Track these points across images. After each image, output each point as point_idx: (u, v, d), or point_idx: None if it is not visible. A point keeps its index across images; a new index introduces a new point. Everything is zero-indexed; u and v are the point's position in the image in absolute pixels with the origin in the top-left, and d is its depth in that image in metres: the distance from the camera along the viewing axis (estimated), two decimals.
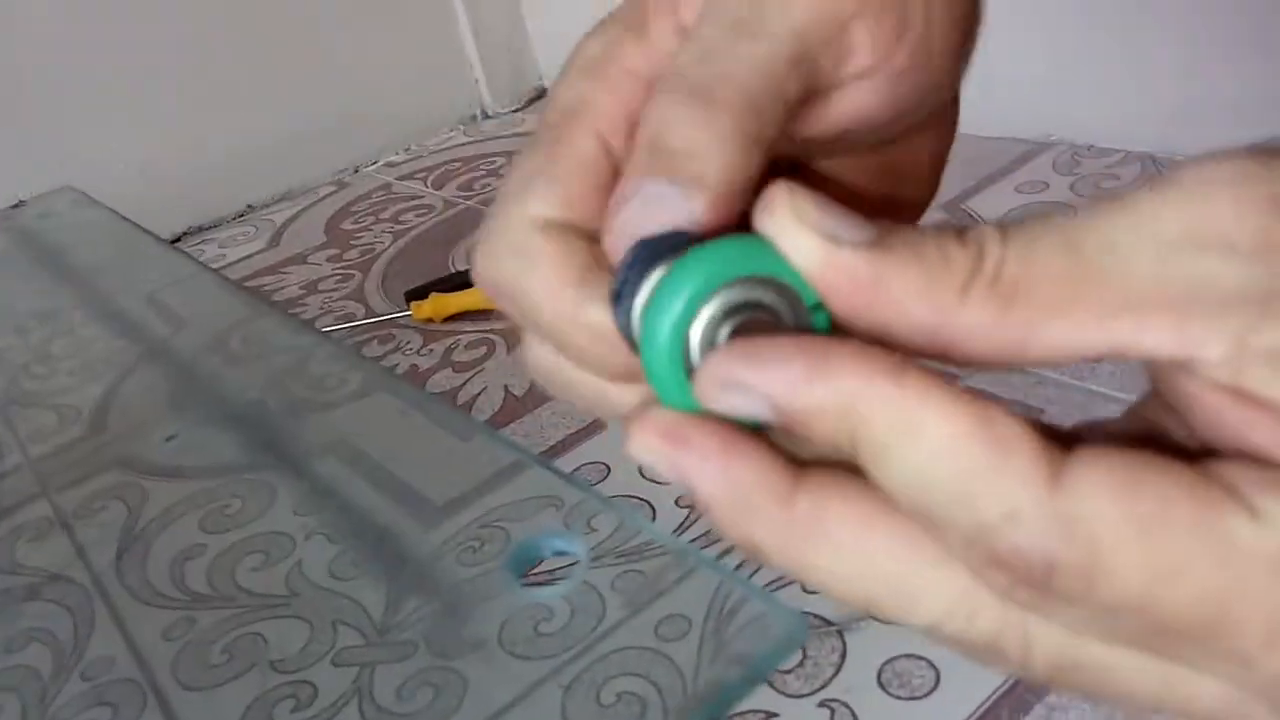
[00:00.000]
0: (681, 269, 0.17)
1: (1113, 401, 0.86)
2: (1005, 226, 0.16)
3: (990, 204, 1.28)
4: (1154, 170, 1.26)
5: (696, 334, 0.17)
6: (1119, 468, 0.14)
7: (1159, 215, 0.15)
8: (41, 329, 0.91)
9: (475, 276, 0.21)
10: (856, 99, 0.21)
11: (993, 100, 1.44)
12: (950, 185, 1.35)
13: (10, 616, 0.54)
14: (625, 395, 0.20)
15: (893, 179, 0.24)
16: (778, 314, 0.17)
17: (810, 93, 0.20)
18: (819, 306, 0.17)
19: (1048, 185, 1.29)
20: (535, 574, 0.48)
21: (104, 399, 0.77)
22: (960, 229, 0.16)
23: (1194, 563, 0.14)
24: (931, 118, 0.24)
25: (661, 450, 0.17)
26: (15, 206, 1.20)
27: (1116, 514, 0.14)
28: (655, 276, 0.17)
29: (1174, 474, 0.14)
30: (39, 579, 0.57)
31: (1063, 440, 0.15)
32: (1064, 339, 0.15)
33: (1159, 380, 0.16)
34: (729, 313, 0.17)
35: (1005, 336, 0.15)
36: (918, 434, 0.15)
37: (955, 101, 0.24)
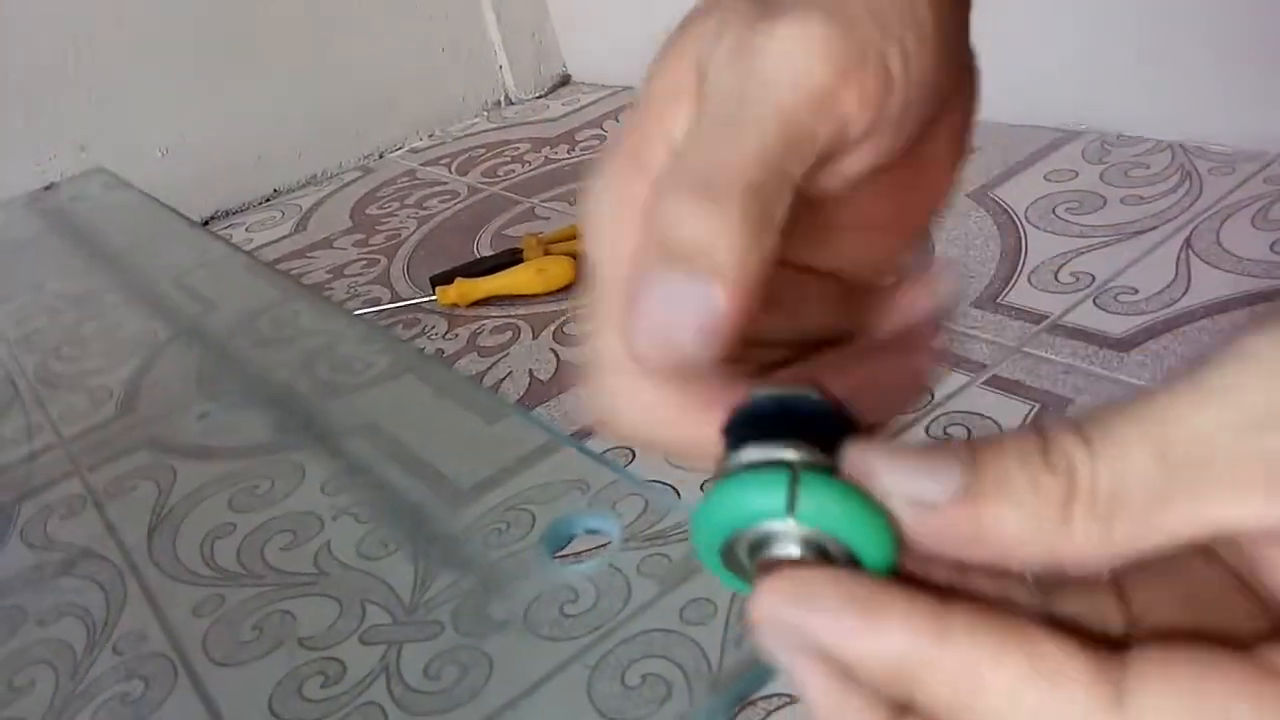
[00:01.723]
0: (751, 484, 0.17)
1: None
2: (1089, 436, 0.16)
3: (1019, 192, 1.27)
4: (1184, 159, 1.25)
5: (744, 547, 0.17)
6: (1178, 676, 0.15)
7: (1243, 399, 0.15)
8: (73, 310, 0.92)
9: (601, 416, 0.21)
10: (866, 151, 0.20)
11: (1022, 88, 1.42)
12: (979, 173, 1.34)
13: (43, 591, 0.55)
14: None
15: (919, 168, 0.24)
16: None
17: (818, 161, 0.20)
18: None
19: (1077, 173, 1.28)
20: (564, 555, 0.48)
21: (134, 380, 0.78)
22: (1043, 443, 0.16)
23: None
24: (947, 103, 0.23)
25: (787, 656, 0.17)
26: (47, 189, 1.21)
27: None
28: (741, 460, 0.17)
29: (1233, 673, 0.15)
30: (71, 555, 0.58)
31: (1114, 645, 0.16)
32: (1167, 535, 0.15)
33: (1239, 552, 0.17)
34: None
35: (1111, 549, 0.15)
36: (976, 692, 0.15)
37: (969, 69, 0.23)
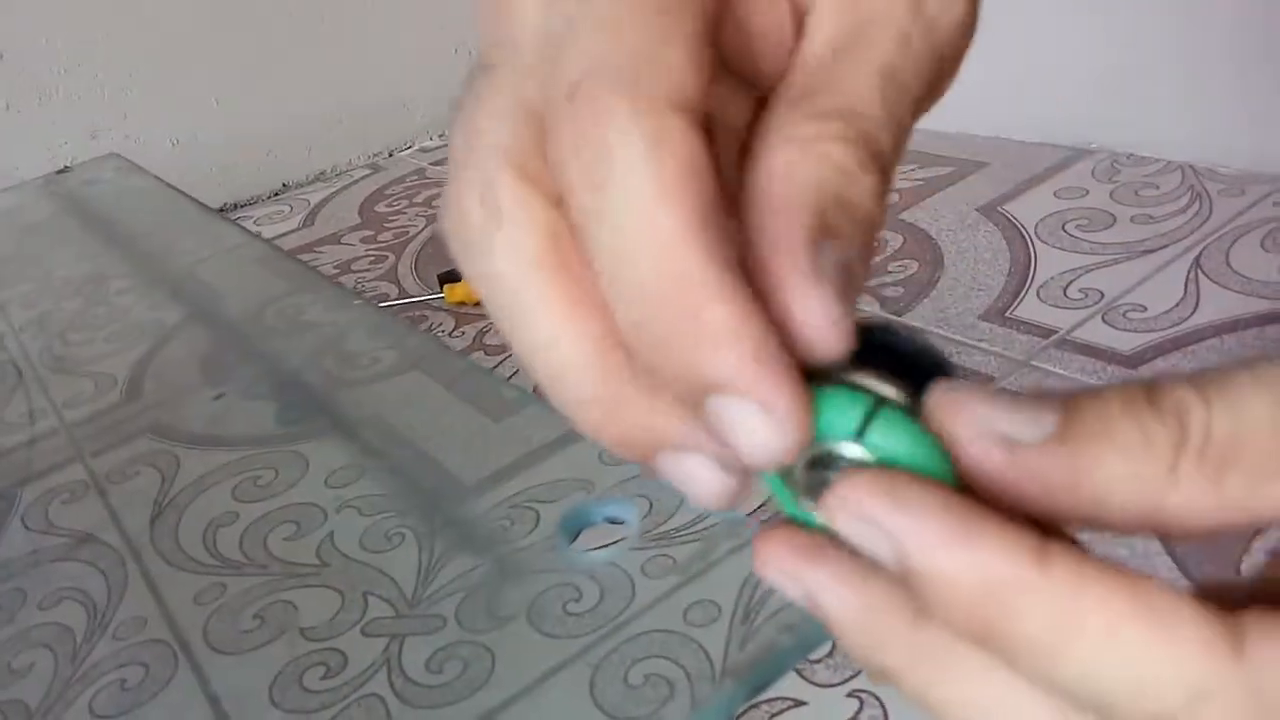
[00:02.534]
0: (830, 401, 0.15)
1: None
2: (1204, 388, 0.14)
3: (1029, 208, 1.27)
4: (1194, 180, 1.25)
5: (803, 463, 0.16)
6: None
7: None
8: (81, 295, 0.92)
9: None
10: None
11: (1034, 106, 1.42)
12: (989, 188, 1.33)
13: (44, 575, 0.55)
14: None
15: None
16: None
17: None
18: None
19: (1087, 192, 1.28)
20: (579, 547, 0.48)
21: (140, 366, 0.78)
22: (1151, 393, 0.14)
23: None
24: None
25: (792, 569, 0.16)
26: (61, 172, 1.21)
27: None
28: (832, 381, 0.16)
29: None
30: (73, 540, 0.58)
31: (1223, 602, 0.14)
32: (1277, 501, 0.14)
33: None
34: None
35: (1222, 509, 0.14)
36: (1078, 631, 0.14)
37: None
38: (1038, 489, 0.14)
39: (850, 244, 0.16)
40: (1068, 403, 0.15)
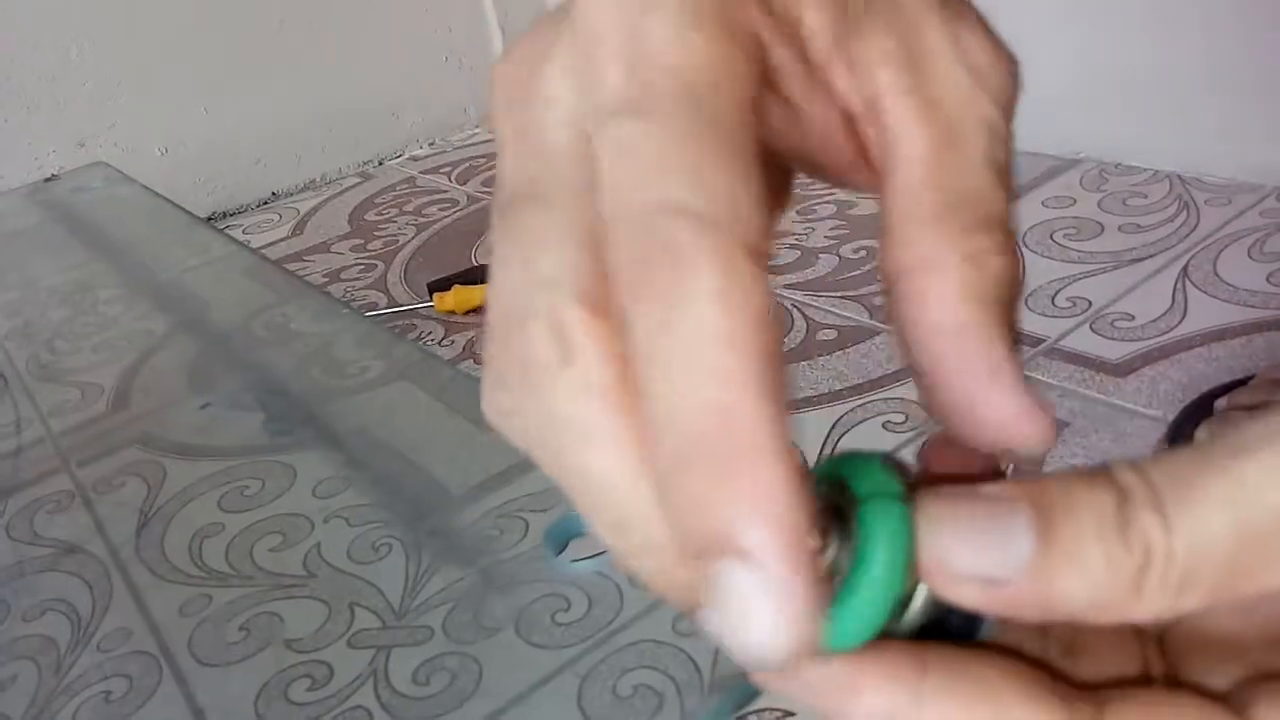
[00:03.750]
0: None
1: (1139, 416, 0.85)
2: (1166, 509, 0.15)
3: (1017, 217, 1.27)
4: (1181, 190, 1.25)
5: None
6: None
7: None
8: (68, 304, 0.92)
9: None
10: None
11: (1022, 116, 1.42)
12: None
13: (28, 586, 0.54)
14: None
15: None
16: None
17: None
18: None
19: (1075, 201, 1.28)
20: (561, 563, 0.48)
21: (127, 376, 0.78)
22: (1119, 504, 0.15)
23: None
24: None
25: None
26: (49, 180, 1.21)
27: None
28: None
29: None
30: (58, 551, 0.57)
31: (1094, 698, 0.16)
32: (1241, 596, 0.15)
33: None
34: None
35: (1178, 612, 0.15)
36: None
37: None
38: (1015, 612, 0.16)
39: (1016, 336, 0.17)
40: (1042, 519, 0.15)
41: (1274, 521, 0.15)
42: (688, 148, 0.15)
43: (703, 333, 0.14)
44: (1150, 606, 0.15)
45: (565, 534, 0.49)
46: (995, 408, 0.16)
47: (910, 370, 0.17)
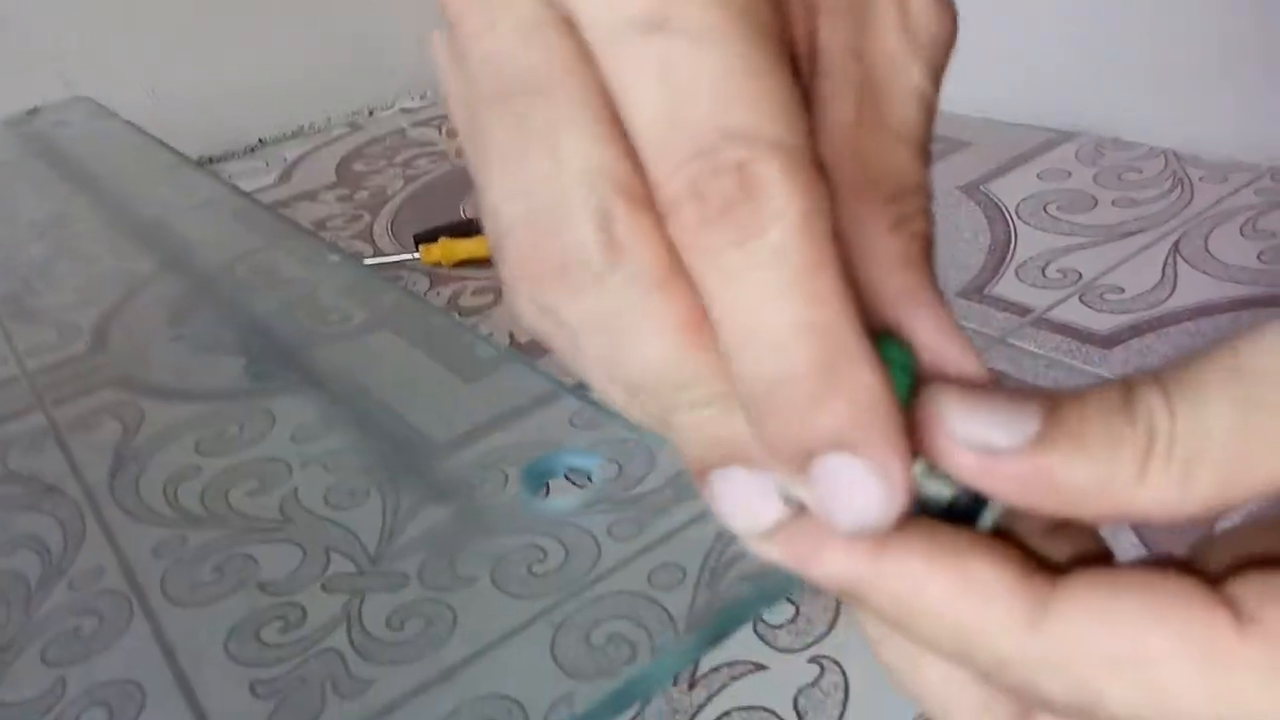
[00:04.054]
0: None
1: None
2: (1168, 388, 0.15)
3: (1011, 188, 1.26)
4: (1176, 166, 1.25)
5: None
6: (1100, 598, 0.15)
7: None
8: (48, 241, 0.90)
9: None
10: None
11: (1019, 87, 1.42)
12: (972, 167, 1.33)
13: (0, 523, 0.54)
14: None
15: None
16: None
17: None
18: None
19: (1070, 174, 1.27)
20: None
21: (107, 316, 0.77)
22: (1125, 392, 0.15)
23: (1183, 687, 0.14)
24: None
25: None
26: (30, 113, 1.18)
27: (1098, 650, 0.15)
28: None
29: (1160, 595, 0.15)
30: (31, 489, 0.56)
31: (1057, 569, 0.16)
32: (1251, 490, 0.15)
33: None
34: None
35: (1188, 506, 0.15)
36: (911, 607, 0.16)
37: None
38: (1014, 490, 0.15)
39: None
40: (1050, 405, 0.15)
41: (1273, 396, 0.14)
42: (737, 66, 0.15)
43: (791, 262, 0.15)
44: (1155, 492, 0.15)
45: (542, 475, 0.48)
46: (956, 356, 0.17)
47: None
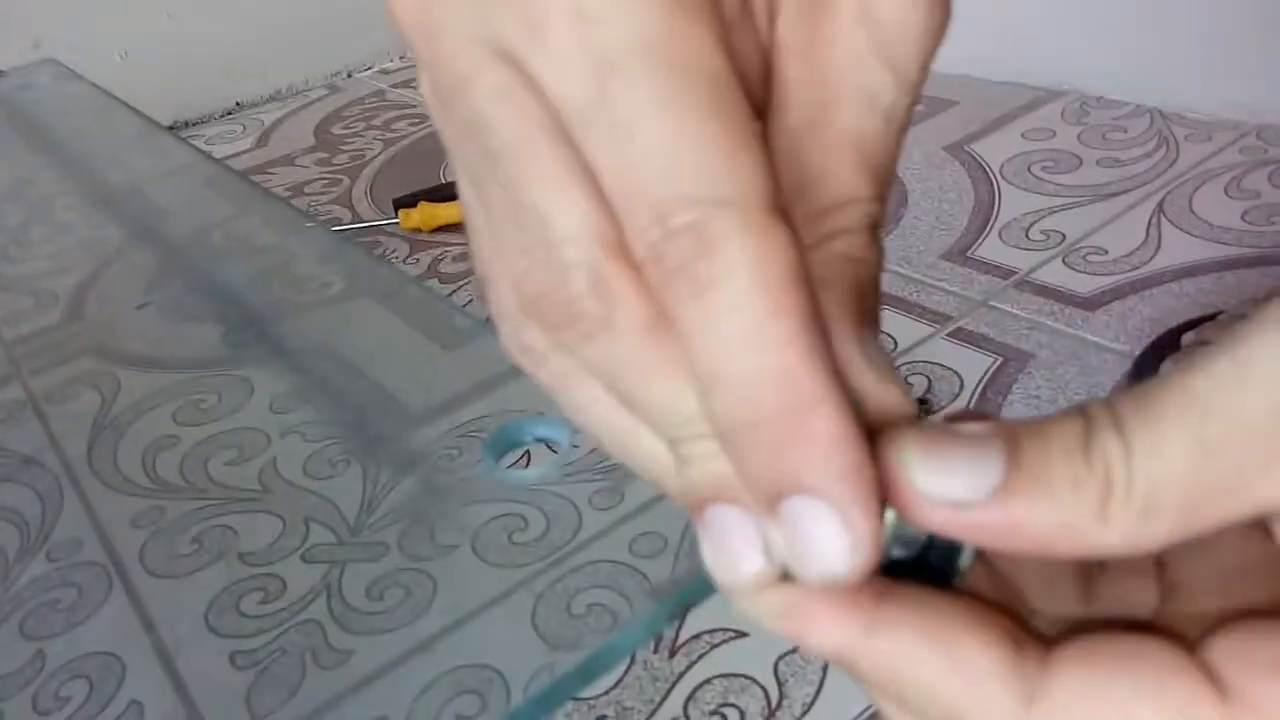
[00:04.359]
0: None
1: (1106, 350, 0.86)
2: (1125, 429, 0.15)
3: (995, 148, 1.26)
4: (1161, 125, 1.24)
5: None
6: (1091, 677, 0.15)
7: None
8: (19, 208, 0.89)
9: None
10: None
11: (1005, 45, 1.40)
12: (957, 127, 1.32)
13: None
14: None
15: None
16: None
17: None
18: None
19: (1054, 133, 1.27)
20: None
21: (83, 285, 0.76)
22: (1083, 432, 0.15)
23: None
24: None
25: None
26: None
27: None
28: None
29: (1146, 670, 0.15)
30: (8, 460, 0.56)
31: (1045, 640, 0.16)
32: (1208, 524, 0.15)
33: None
34: None
35: (1150, 543, 0.15)
36: (902, 683, 0.16)
37: None
38: (982, 537, 0.16)
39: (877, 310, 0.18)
40: (1010, 447, 0.15)
41: (1229, 434, 0.14)
42: (684, 130, 0.15)
43: (748, 311, 0.15)
44: (1116, 532, 0.15)
45: (505, 444, 0.48)
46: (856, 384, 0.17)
47: None
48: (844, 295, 0.17)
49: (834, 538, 0.15)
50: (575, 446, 0.48)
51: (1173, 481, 0.15)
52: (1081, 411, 0.15)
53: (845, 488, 0.15)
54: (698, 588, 0.39)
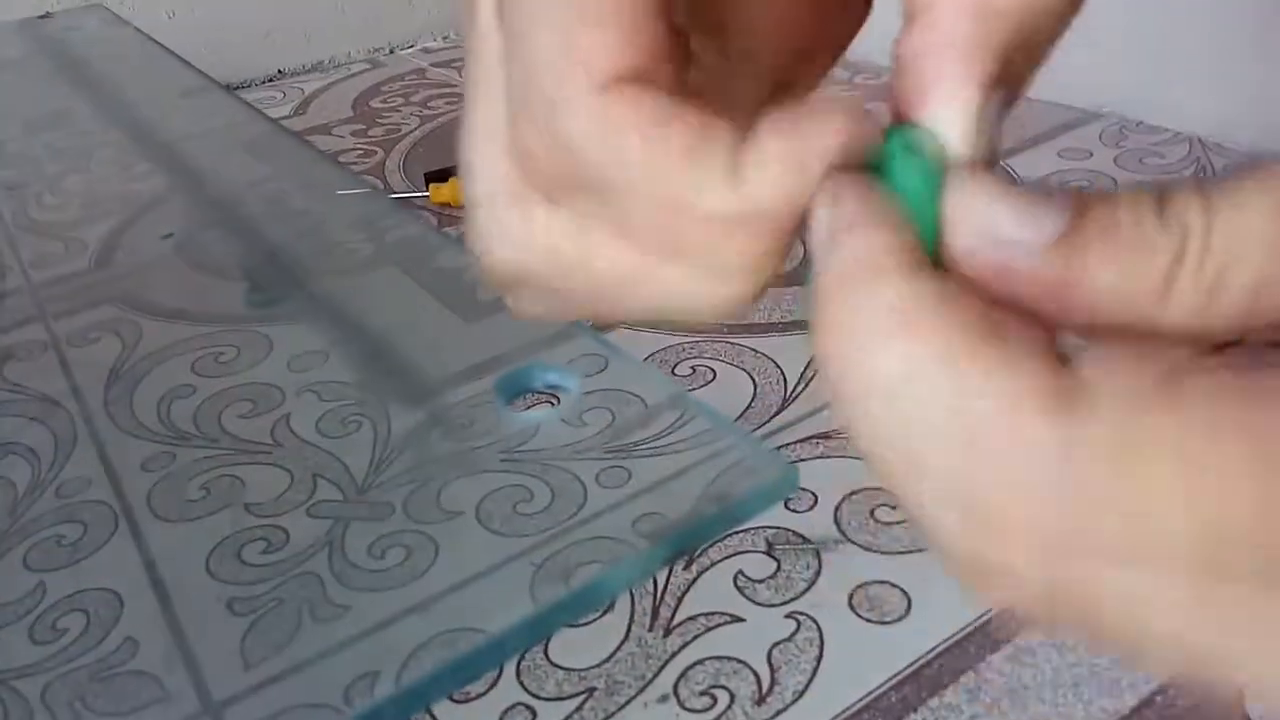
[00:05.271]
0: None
1: None
2: (1209, 193, 0.14)
3: (1031, 164, 1.25)
4: (1200, 153, 1.23)
5: None
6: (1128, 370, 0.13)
7: None
8: (58, 156, 0.90)
9: (518, 139, 0.17)
10: None
11: (1048, 64, 1.40)
12: None
13: None
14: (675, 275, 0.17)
15: None
16: None
17: None
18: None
19: (1091, 154, 1.26)
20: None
21: (114, 235, 0.76)
22: (1160, 195, 0.14)
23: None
24: None
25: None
26: (43, 17, 1.17)
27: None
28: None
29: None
30: (25, 397, 0.57)
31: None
32: (1271, 315, 0.14)
33: None
34: None
35: (1212, 322, 0.14)
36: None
37: None
38: (1030, 292, 0.14)
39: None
40: (1078, 204, 0.14)
41: None
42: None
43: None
44: (1178, 307, 0.13)
45: (515, 388, 0.48)
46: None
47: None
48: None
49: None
50: (586, 394, 0.48)
51: (1252, 250, 0.13)
52: (1158, 186, 0.14)
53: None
54: (693, 533, 0.39)
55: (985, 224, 0.14)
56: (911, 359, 0.13)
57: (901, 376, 0.14)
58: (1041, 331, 0.14)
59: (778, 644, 0.47)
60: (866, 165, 0.16)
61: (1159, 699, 0.54)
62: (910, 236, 0.15)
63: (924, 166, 0.15)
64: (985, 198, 0.14)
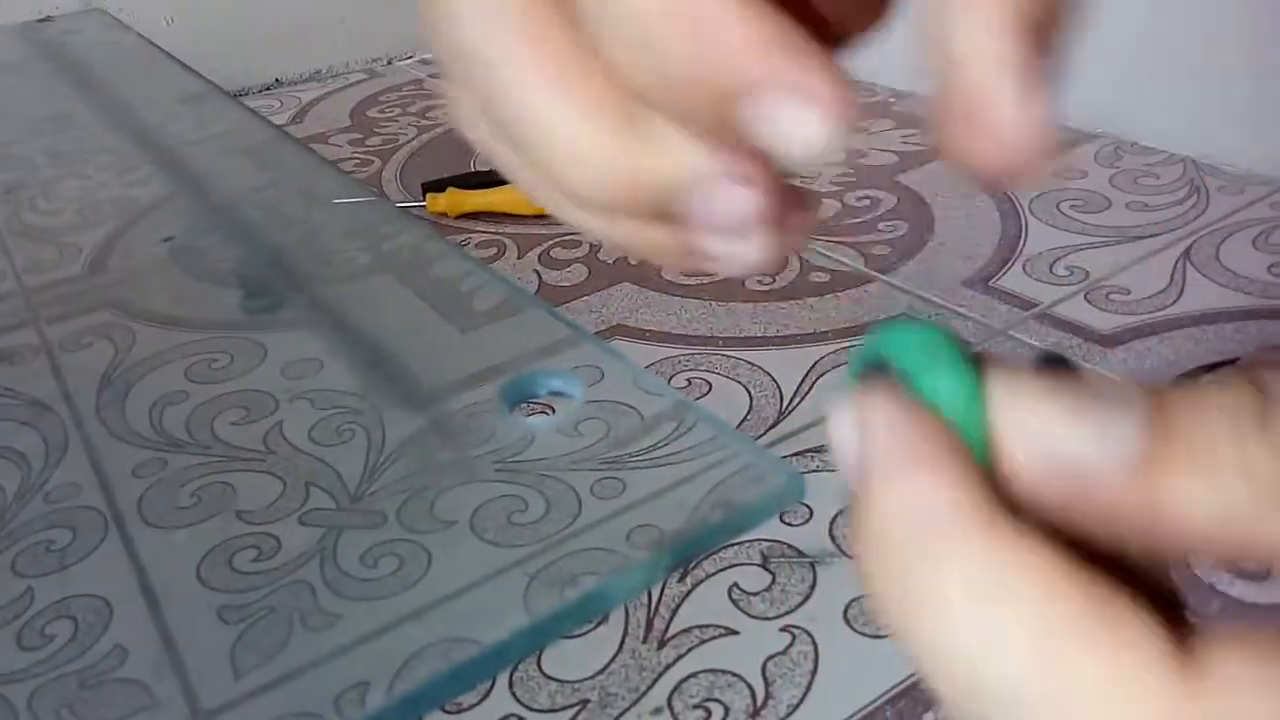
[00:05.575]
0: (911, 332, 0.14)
1: None
2: None
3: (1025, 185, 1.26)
4: (1194, 174, 1.24)
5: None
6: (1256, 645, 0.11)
7: None
8: (55, 160, 0.90)
9: (436, 40, 0.16)
10: None
11: None
12: None
13: None
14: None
15: None
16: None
17: None
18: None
19: (1086, 174, 1.27)
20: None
21: (108, 241, 0.76)
22: (1265, 412, 0.12)
23: None
24: None
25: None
26: (42, 21, 1.17)
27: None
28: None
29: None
30: (16, 403, 0.56)
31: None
32: None
33: None
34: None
35: None
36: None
37: None
38: (1107, 519, 0.12)
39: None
40: (1157, 409, 0.12)
41: None
42: None
43: None
44: None
45: (519, 394, 0.48)
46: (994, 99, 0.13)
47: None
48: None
49: (801, 116, 0.13)
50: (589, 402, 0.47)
51: None
52: (1250, 378, 0.12)
53: (796, 70, 0.13)
54: (697, 541, 0.39)
55: (1048, 446, 0.12)
56: (1006, 642, 0.11)
57: (991, 660, 0.11)
58: (1147, 592, 0.12)
59: (772, 657, 0.47)
60: (869, 362, 0.14)
61: None
62: (976, 477, 0.12)
63: (956, 370, 0.13)
64: (1041, 412, 0.12)
